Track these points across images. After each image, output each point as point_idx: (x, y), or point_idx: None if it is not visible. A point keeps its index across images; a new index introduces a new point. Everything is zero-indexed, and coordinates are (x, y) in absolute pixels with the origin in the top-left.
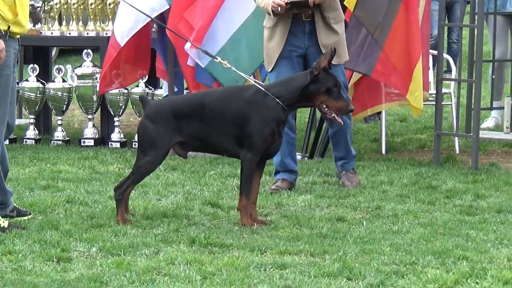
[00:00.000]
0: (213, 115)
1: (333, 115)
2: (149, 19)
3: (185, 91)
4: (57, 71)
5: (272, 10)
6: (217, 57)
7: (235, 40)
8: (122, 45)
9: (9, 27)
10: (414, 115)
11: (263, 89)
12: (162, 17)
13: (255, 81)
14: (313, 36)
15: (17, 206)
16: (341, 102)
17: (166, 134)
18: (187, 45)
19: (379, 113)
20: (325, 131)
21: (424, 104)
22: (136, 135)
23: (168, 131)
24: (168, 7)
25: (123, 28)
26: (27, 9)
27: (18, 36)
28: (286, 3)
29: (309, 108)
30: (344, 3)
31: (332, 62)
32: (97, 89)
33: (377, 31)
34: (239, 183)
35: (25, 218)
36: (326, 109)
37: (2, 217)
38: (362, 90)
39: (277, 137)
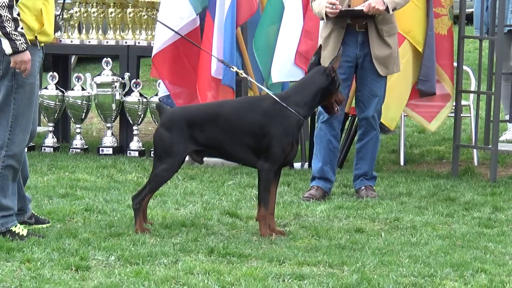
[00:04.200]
0: (229, 126)
1: (336, 108)
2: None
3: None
4: (76, 80)
5: (326, 15)
6: (233, 66)
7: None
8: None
9: (36, 37)
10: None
11: (282, 99)
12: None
13: (268, 91)
14: (366, 46)
15: (36, 214)
16: (342, 95)
17: (181, 143)
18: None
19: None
20: (345, 141)
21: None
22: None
23: (183, 140)
24: (195, 15)
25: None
26: (52, 17)
27: (43, 44)
28: (341, 11)
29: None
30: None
31: (380, 73)
32: (116, 97)
33: None
34: (258, 193)
35: (44, 226)
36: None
37: (21, 224)
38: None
39: (294, 145)
